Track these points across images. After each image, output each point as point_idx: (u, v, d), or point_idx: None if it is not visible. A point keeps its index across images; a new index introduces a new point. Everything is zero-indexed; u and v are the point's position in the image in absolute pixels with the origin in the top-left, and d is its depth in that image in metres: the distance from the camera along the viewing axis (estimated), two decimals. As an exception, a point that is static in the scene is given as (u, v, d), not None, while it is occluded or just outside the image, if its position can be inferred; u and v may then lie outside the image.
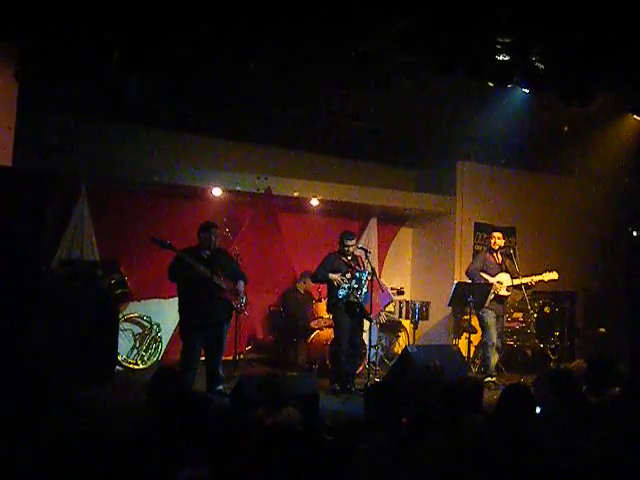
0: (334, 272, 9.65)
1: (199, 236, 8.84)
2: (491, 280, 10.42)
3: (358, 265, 9.91)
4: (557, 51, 7.96)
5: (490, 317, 10.36)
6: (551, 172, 13.37)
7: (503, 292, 10.45)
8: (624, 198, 13.31)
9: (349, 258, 9.84)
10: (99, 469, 4.23)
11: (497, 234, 10.79)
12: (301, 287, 11.81)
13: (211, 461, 3.68)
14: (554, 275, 10.46)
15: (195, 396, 5.50)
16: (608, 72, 8.39)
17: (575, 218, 13.54)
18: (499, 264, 10.62)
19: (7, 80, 7.88)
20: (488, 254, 10.76)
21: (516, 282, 10.43)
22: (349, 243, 9.81)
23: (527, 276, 10.42)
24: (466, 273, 10.78)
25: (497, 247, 10.68)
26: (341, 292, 9.55)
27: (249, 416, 5.36)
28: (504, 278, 10.47)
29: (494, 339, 10.35)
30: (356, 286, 9.52)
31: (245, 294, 9.12)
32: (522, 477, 4.13)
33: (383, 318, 11.80)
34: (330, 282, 9.65)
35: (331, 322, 10.42)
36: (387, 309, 12.12)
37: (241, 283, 9.02)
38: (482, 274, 10.52)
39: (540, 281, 10.48)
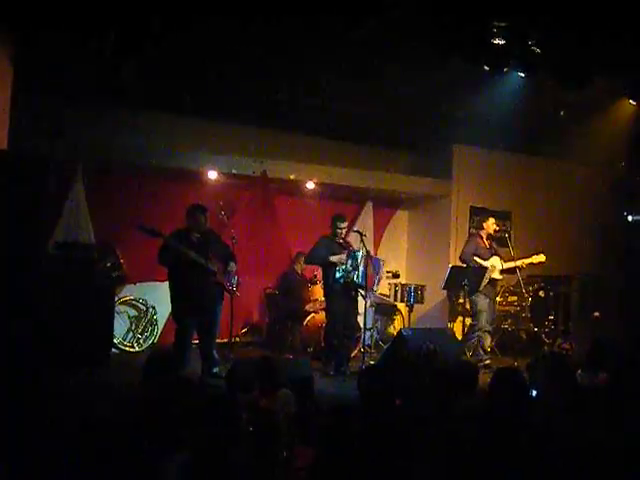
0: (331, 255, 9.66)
1: (187, 219, 8.85)
2: (484, 264, 10.47)
3: (351, 246, 9.95)
4: (553, 35, 7.95)
5: (482, 301, 10.40)
6: (547, 156, 13.38)
7: (496, 275, 10.53)
8: (620, 183, 13.34)
9: (341, 240, 9.86)
10: (93, 451, 4.25)
11: (493, 220, 10.88)
12: (298, 268, 11.81)
13: (203, 444, 3.70)
14: (542, 257, 10.55)
15: (189, 379, 5.53)
16: (604, 56, 8.38)
17: (571, 202, 13.57)
18: (489, 248, 10.70)
19: (2, 63, 7.85)
20: (479, 238, 10.83)
21: (506, 265, 10.51)
22: (341, 225, 9.83)
23: (518, 259, 10.50)
24: (460, 258, 10.82)
25: (489, 232, 10.75)
26: (337, 274, 9.56)
27: (244, 399, 5.38)
28: (496, 262, 10.54)
29: (483, 323, 10.40)
30: (351, 267, 9.53)
31: (236, 275, 9.15)
32: (516, 460, 4.16)
33: (376, 297, 11.85)
34: (329, 264, 9.65)
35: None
36: (381, 292, 12.16)
37: (232, 264, 9.04)
38: (475, 258, 10.57)
39: (529, 264, 10.53)
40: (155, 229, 8.51)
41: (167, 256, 8.60)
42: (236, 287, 9.18)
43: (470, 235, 11.34)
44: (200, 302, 8.65)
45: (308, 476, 4.26)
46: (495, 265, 10.50)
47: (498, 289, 11.22)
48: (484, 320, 10.41)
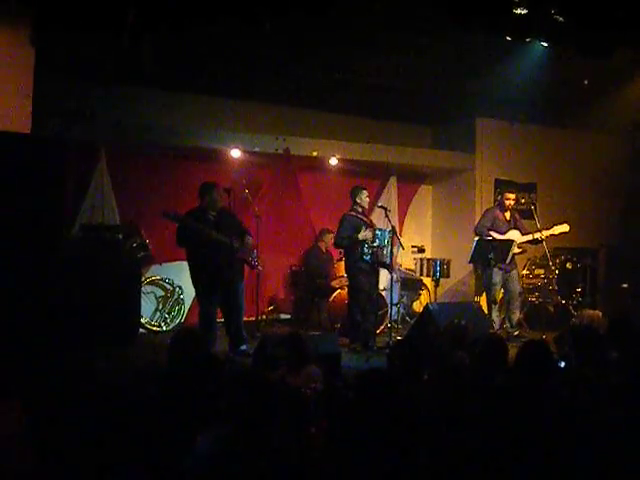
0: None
1: (202, 197, 8.80)
2: (498, 238, 10.37)
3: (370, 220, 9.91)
4: (577, 3, 7.85)
5: (496, 276, 10.32)
6: (572, 127, 13.26)
7: (515, 249, 10.40)
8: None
9: (364, 217, 9.80)
10: (121, 430, 4.28)
11: (510, 195, 10.75)
12: (322, 245, 11.81)
13: (233, 421, 3.71)
14: (565, 227, 10.35)
15: (215, 356, 5.55)
16: (628, 25, 8.26)
17: (596, 174, 13.45)
18: (508, 221, 10.59)
19: (24, 46, 7.86)
20: (498, 211, 10.71)
21: (526, 238, 10.40)
22: (362, 197, 9.78)
23: (537, 231, 10.37)
24: (474, 230, 10.72)
25: (508, 206, 10.64)
26: (364, 251, 9.50)
27: (271, 375, 5.40)
28: (514, 235, 10.42)
29: (494, 298, 10.39)
30: (377, 246, 9.47)
31: (254, 248, 9.16)
32: (541, 431, 4.15)
33: (402, 272, 11.83)
34: (357, 242, 9.58)
35: (352, 282, 10.39)
36: (407, 266, 12.14)
37: (248, 237, 9.03)
38: (490, 232, 10.46)
39: (551, 235, 10.37)
40: (178, 215, 8.52)
41: (186, 237, 8.59)
42: (257, 261, 9.18)
43: (487, 209, 11.20)
44: (221, 280, 8.65)
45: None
46: (513, 239, 10.38)
47: (518, 262, 10.97)
48: (495, 295, 10.39)
